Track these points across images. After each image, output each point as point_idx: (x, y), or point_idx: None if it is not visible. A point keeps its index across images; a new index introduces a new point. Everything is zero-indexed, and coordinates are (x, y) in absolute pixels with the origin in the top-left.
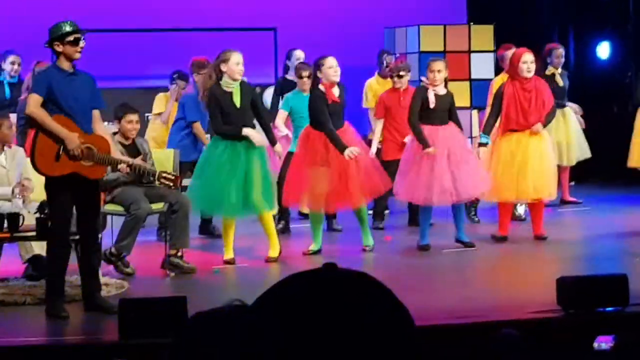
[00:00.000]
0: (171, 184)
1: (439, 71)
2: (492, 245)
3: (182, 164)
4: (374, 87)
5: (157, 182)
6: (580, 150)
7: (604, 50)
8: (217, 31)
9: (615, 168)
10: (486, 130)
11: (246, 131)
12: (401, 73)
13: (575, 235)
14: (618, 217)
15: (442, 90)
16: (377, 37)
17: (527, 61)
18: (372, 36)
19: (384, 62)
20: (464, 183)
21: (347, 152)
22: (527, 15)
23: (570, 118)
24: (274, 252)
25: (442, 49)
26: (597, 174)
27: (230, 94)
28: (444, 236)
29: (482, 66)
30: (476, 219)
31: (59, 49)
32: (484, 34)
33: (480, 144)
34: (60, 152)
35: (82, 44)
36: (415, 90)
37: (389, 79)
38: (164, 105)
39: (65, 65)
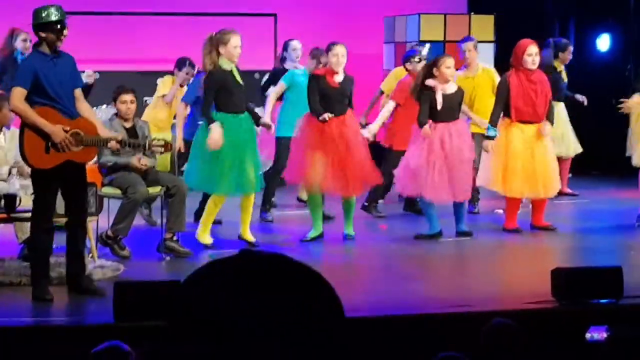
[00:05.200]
0: (162, 149)
1: (448, 67)
2: (488, 236)
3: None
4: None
5: (149, 151)
6: (575, 143)
7: (604, 42)
8: (217, 16)
9: (613, 161)
10: (494, 121)
11: (214, 127)
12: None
13: (571, 227)
14: (614, 209)
15: (451, 88)
16: (376, 25)
17: (532, 53)
18: (372, 24)
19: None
20: (460, 183)
21: (322, 116)
22: (528, 5)
23: (562, 111)
24: (248, 234)
25: (442, 38)
26: (594, 167)
27: (231, 72)
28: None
29: (482, 56)
30: (476, 209)
31: (43, 35)
32: (484, 24)
33: (488, 137)
34: (49, 145)
35: (65, 32)
36: (422, 93)
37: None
38: (168, 87)
39: (47, 49)
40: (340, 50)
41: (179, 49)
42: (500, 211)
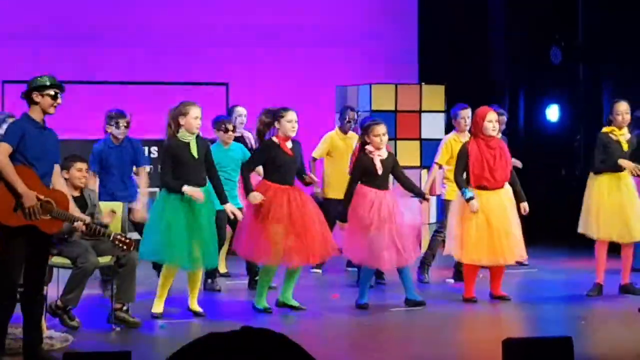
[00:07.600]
0: (124, 247)
1: (384, 134)
2: (439, 305)
3: None
4: (334, 141)
5: (110, 242)
6: None
7: (553, 112)
8: (169, 85)
9: (562, 230)
10: (462, 184)
11: (186, 189)
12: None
13: (521, 296)
14: (564, 279)
15: (384, 154)
16: (328, 94)
17: (492, 120)
18: (324, 93)
19: (347, 118)
20: (405, 247)
21: (251, 195)
22: (478, 76)
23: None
24: (196, 306)
25: (393, 108)
26: (544, 236)
27: (188, 144)
28: (392, 294)
29: (432, 126)
30: (426, 279)
31: (38, 99)
32: (435, 94)
33: (469, 199)
34: (18, 205)
35: (59, 100)
36: (357, 159)
37: (349, 134)
38: None
39: (37, 117)
40: (293, 116)
41: (132, 117)
42: (451, 281)
